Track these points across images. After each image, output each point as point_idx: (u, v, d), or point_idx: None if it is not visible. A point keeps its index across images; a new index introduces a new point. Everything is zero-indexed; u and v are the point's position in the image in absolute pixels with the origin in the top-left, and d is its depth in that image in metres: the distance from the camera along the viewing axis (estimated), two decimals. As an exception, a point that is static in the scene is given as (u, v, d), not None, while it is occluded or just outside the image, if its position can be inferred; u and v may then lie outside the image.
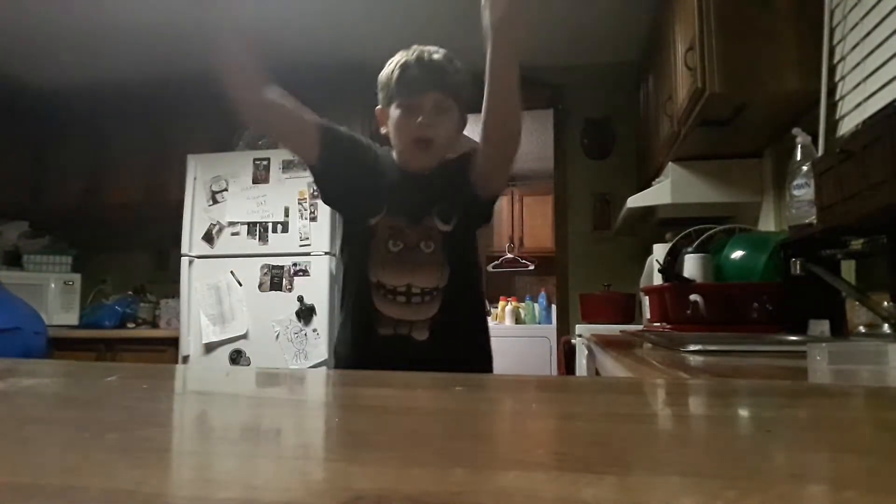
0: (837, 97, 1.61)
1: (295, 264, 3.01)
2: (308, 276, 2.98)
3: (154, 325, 3.61)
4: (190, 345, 3.05)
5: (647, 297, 2.17)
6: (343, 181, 1.30)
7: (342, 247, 1.35)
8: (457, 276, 1.26)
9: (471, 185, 1.27)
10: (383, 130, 1.31)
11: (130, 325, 3.57)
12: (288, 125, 1.28)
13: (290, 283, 2.99)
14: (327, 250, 3.00)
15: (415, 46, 1.28)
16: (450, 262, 1.26)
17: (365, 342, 1.26)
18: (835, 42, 1.63)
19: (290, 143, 1.37)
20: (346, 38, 3.20)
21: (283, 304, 2.97)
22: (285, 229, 3.04)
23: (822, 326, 1.45)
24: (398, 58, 1.28)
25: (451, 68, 1.28)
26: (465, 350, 1.29)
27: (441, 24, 3.00)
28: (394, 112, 1.25)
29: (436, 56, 1.27)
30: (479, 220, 1.34)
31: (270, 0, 2.85)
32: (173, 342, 3.14)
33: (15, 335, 2.13)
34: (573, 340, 2.84)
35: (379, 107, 1.31)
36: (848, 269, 1.55)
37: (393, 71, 1.26)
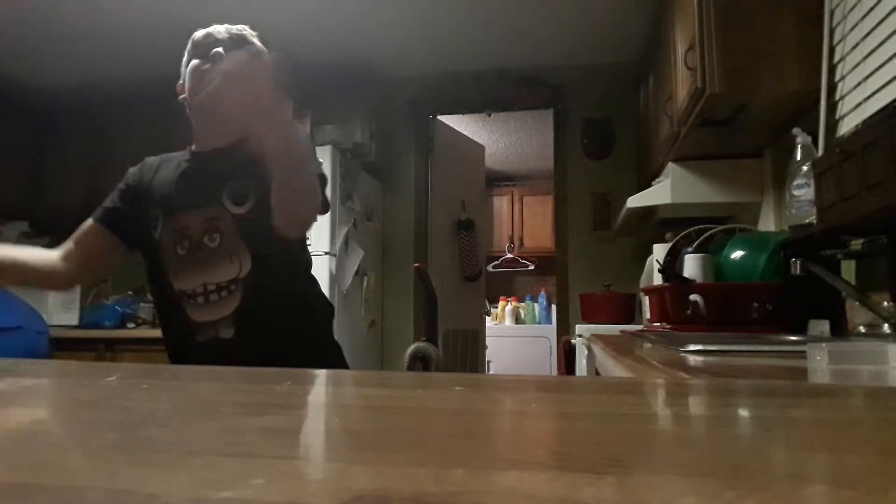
0: (837, 97, 1.61)
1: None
2: (308, 276, 2.97)
3: (154, 325, 3.61)
4: (190, 345, 3.04)
5: (647, 297, 2.17)
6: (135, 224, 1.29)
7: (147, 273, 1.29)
8: (264, 261, 1.16)
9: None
10: (180, 98, 1.26)
11: (130, 325, 3.56)
12: (102, 257, 1.33)
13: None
14: (327, 250, 3.00)
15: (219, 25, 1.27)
16: (251, 247, 1.16)
17: (187, 351, 1.21)
18: (835, 42, 1.63)
19: (114, 262, 1.38)
20: (349, 37, 3.20)
21: (283, 304, 2.96)
22: (285, 229, 3.03)
23: (822, 326, 1.45)
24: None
25: (249, 32, 1.26)
26: (282, 343, 1.18)
27: (442, 25, 3.00)
28: (188, 69, 1.21)
29: (236, 25, 1.26)
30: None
31: (276, 1, 2.85)
32: (173, 342, 3.14)
33: (18, 334, 2.13)
34: (573, 340, 2.84)
35: (179, 82, 1.27)
36: (848, 269, 1.55)
37: (189, 40, 1.25)
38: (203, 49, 1.19)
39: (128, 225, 1.30)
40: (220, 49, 1.16)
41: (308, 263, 1.30)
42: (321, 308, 1.32)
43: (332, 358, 1.29)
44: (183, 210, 1.20)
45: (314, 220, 1.19)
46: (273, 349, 1.17)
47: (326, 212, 1.29)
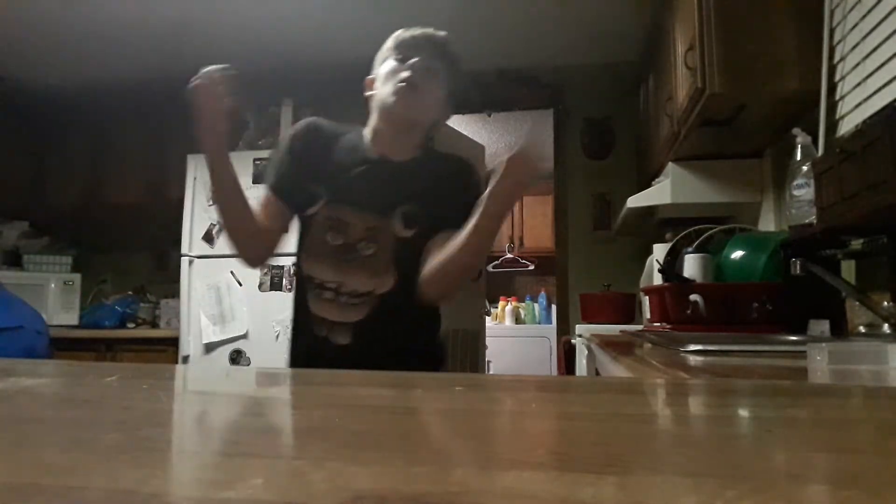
0: (837, 97, 1.61)
1: (295, 264, 3.00)
2: (308, 276, 2.98)
3: (154, 325, 3.61)
4: (190, 345, 3.05)
5: (647, 297, 2.17)
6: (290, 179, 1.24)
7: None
8: (407, 285, 1.14)
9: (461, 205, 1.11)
10: (367, 93, 1.25)
11: (130, 325, 3.56)
12: (282, 234, 1.28)
13: (291, 283, 2.99)
14: (327, 250, 3.00)
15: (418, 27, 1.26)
16: (398, 270, 1.15)
17: (302, 341, 1.21)
18: (835, 42, 1.63)
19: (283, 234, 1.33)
20: (349, 37, 3.20)
21: (284, 304, 2.97)
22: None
23: (822, 326, 1.45)
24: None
25: (450, 44, 1.25)
26: (393, 358, 1.13)
27: (442, 25, 3.00)
28: (384, 67, 1.20)
29: (439, 33, 1.25)
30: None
31: (276, 1, 2.85)
32: (173, 342, 3.14)
33: (18, 334, 2.12)
34: (573, 340, 2.84)
35: (369, 77, 1.26)
36: (848, 269, 1.55)
37: (391, 38, 1.24)
38: (403, 51, 1.20)
39: (295, 192, 1.24)
40: (419, 58, 1.18)
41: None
42: (438, 343, 1.31)
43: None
44: (350, 205, 1.17)
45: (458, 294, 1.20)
46: (383, 364, 1.16)
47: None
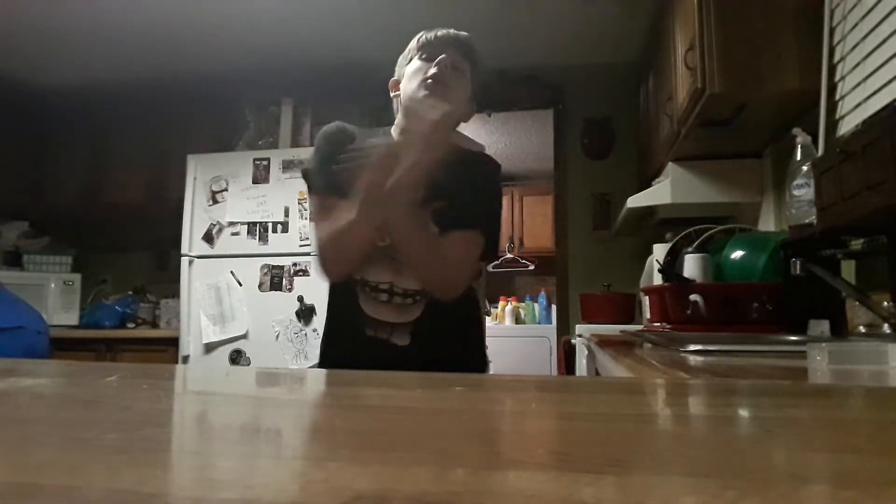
0: (837, 97, 1.61)
1: (295, 264, 3.01)
2: (308, 275, 2.98)
3: (154, 325, 3.61)
4: (190, 345, 3.05)
5: (647, 297, 2.17)
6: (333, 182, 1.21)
7: None
8: None
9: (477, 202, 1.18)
10: (393, 94, 1.26)
11: (130, 325, 3.57)
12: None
13: (290, 282, 3.00)
14: (327, 250, 3.00)
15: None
16: None
17: (348, 342, 1.21)
18: (835, 42, 1.63)
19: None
20: (350, 37, 3.20)
21: (283, 304, 2.97)
22: (285, 229, 3.04)
23: (822, 326, 1.45)
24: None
25: (473, 42, 1.26)
26: (451, 357, 1.19)
27: (442, 25, 3.00)
28: (410, 66, 1.21)
29: (463, 33, 1.25)
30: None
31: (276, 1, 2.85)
32: (173, 342, 3.14)
33: (18, 334, 2.12)
34: (573, 340, 2.84)
35: (393, 78, 1.27)
36: (848, 269, 1.55)
37: (414, 39, 1.24)
38: (429, 51, 1.20)
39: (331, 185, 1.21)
40: (445, 56, 1.18)
41: (479, 288, 1.33)
42: (482, 333, 1.35)
43: (483, 368, 1.33)
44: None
45: (469, 283, 1.22)
46: (443, 363, 1.17)
47: (491, 262, 1.32)
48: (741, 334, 1.47)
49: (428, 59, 1.20)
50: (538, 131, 4.78)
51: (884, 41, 1.39)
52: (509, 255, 5.74)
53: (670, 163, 2.38)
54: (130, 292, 3.74)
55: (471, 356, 1.27)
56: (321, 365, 1.27)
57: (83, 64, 3.46)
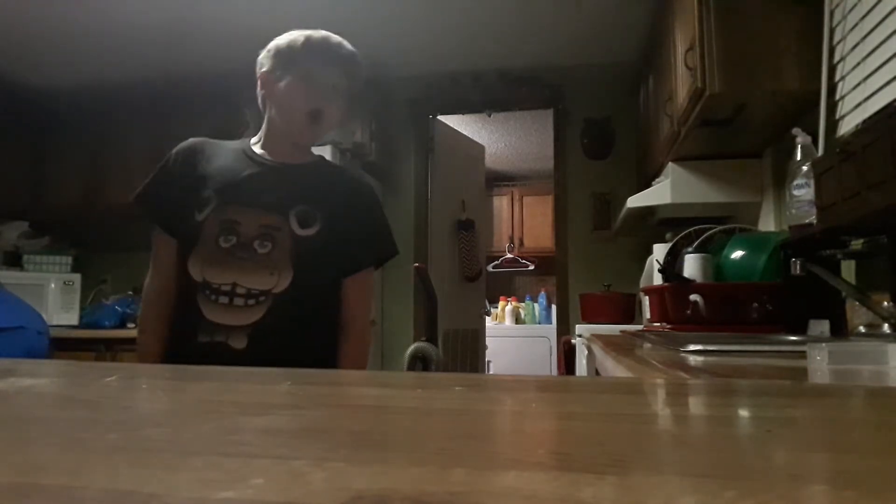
0: (837, 97, 1.61)
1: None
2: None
3: (154, 325, 3.60)
4: (190, 345, 3.04)
5: (647, 297, 2.17)
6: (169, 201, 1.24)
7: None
8: (303, 284, 1.16)
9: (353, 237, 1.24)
10: (262, 93, 1.26)
11: (130, 325, 3.56)
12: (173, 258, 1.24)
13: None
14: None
15: (320, 30, 1.27)
16: (297, 268, 1.16)
17: (183, 349, 1.16)
18: (835, 42, 1.63)
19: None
20: (349, 37, 3.20)
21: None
22: (285, 229, 3.03)
23: (822, 326, 1.45)
24: (302, 32, 1.25)
25: (356, 57, 1.26)
26: (291, 360, 1.07)
27: (442, 25, 3.00)
28: (289, 82, 1.21)
29: (344, 42, 1.25)
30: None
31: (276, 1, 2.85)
32: (173, 342, 3.14)
33: (19, 334, 2.12)
34: (573, 340, 2.84)
35: (265, 70, 1.25)
36: (848, 269, 1.55)
37: (296, 40, 1.23)
38: (311, 64, 1.21)
39: (166, 206, 1.25)
40: (326, 77, 1.20)
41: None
42: (333, 337, 1.30)
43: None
44: (242, 205, 1.17)
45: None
46: (282, 367, 1.13)
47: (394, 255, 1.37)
48: (741, 334, 1.47)
49: (307, 80, 1.20)
50: (538, 131, 4.79)
51: (884, 41, 1.39)
52: (509, 255, 5.74)
53: (670, 163, 2.38)
54: (130, 292, 3.73)
55: (315, 362, 1.16)
56: None
57: (83, 64, 3.46)
